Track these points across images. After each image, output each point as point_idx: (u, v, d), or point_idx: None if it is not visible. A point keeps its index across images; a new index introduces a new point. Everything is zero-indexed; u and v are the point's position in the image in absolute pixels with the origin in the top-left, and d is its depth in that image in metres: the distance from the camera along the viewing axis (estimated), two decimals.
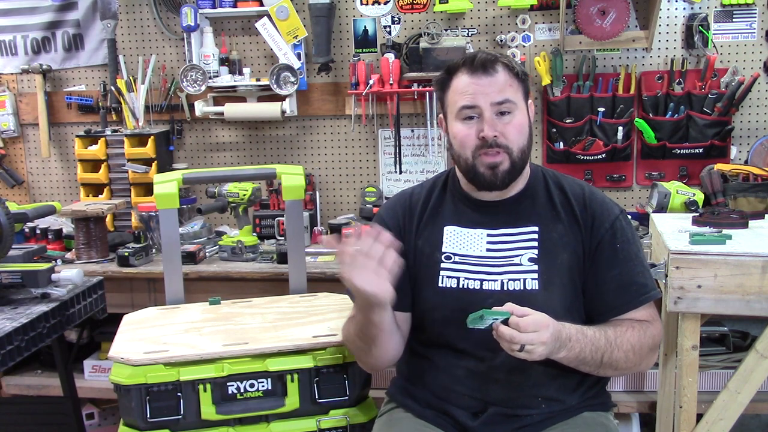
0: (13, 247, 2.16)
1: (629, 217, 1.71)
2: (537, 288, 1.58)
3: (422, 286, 1.66)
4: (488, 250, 1.64)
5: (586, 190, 1.69)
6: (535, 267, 1.59)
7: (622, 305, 1.61)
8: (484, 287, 1.60)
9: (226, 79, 3.12)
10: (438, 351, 1.65)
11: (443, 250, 1.65)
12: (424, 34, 2.95)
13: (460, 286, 1.61)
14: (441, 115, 1.73)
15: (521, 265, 1.60)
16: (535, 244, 1.62)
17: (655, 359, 1.67)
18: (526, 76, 1.65)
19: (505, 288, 1.59)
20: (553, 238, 1.62)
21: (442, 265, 1.64)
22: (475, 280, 1.61)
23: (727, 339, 2.63)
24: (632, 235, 1.65)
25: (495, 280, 1.60)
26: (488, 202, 1.68)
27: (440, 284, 1.63)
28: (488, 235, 1.65)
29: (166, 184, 2.20)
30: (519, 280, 1.59)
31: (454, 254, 1.64)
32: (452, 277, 1.63)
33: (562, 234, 1.62)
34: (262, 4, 3.04)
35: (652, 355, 1.63)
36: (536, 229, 1.63)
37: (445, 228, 1.68)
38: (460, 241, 1.66)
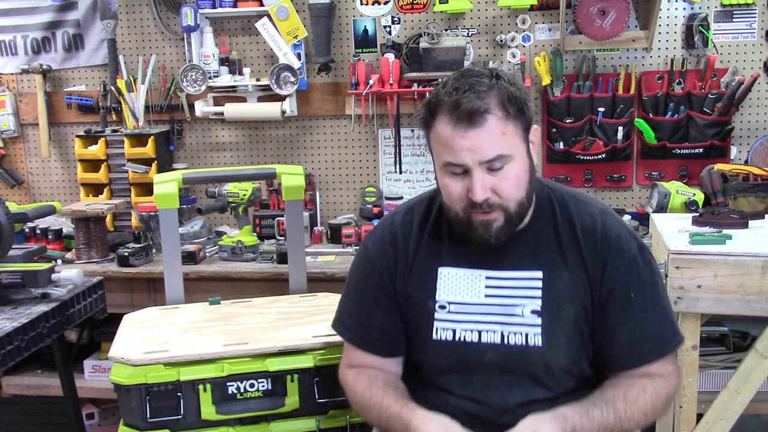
0: (13, 247, 2.16)
1: (648, 251, 1.49)
2: (540, 344, 1.42)
3: (415, 335, 1.52)
4: (487, 296, 1.46)
5: (598, 224, 1.46)
6: (539, 320, 1.43)
7: (633, 362, 1.44)
8: (482, 339, 1.45)
9: (226, 79, 3.12)
10: (436, 393, 1.51)
11: (437, 297, 1.48)
12: (424, 34, 2.95)
13: (457, 338, 1.46)
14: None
15: (523, 316, 1.44)
16: (539, 293, 1.44)
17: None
18: (527, 107, 1.38)
19: (506, 341, 1.44)
20: (559, 287, 1.44)
21: (437, 315, 1.48)
22: (472, 331, 1.46)
23: (727, 339, 2.63)
24: (651, 277, 1.45)
25: (494, 331, 1.45)
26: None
27: (434, 336, 1.47)
28: (487, 278, 1.47)
29: (166, 184, 2.19)
30: (520, 333, 1.44)
31: (450, 303, 1.48)
32: (447, 329, 1.47)
33: (568, 283, 1.44)
34: (262, 4, 3.04)
35: (667, 410, 1.50)
36: (540, 275, 1.44)
37: (440, 270, 1.50)
38: (456, 286, 1.48)
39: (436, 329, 1.47)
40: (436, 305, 1.48)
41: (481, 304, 1.46)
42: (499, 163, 1.34)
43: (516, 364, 1.43)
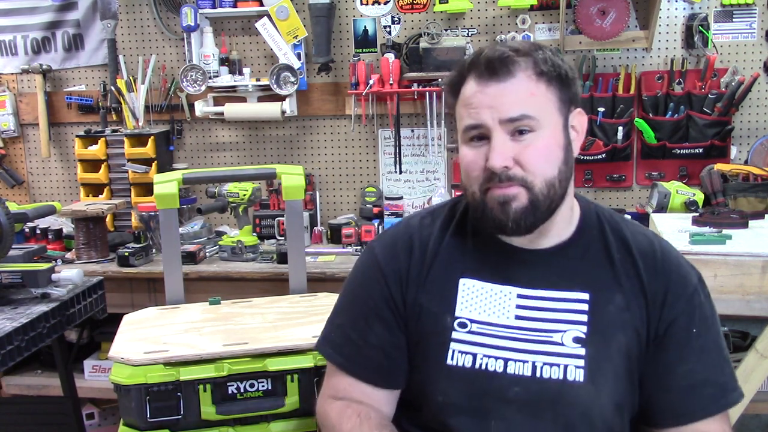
0: (13, 247, 2.16)
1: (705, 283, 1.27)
2: (582, 380, 1.16)
3: (424, 360, 1.24)
4: (518, 317, 1.20)
5: (657, 246, 1.25)
6: (582, 350, 1.17)
7: (690, 413, 1.19)
8: (508, 370, 1.17)
9: (226, 79, 3.12)
10: None
11: (456, 313, 1.21)
12: (424, 34, 2.95)
13: (477, 366, 1.18)
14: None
15: (563, 345, 1.18)
16: (584, 318, 1.18)
17: None
18: (570, 79, 1.19)
19: (538, 374, 1.17)
20: (609, 312, 1.19)
21: (454, 334, 1.20)
22: (497, 358, 1.18)
23: (727, 339, 2.63)
24: (712, 313, 1.22)
25: (524, 362, 1.18)
26: (521, 249, 1.24)
27: (449, 360, 1.20)
28: (519, 296, 1.21)
29: (166, 184, 2.19)
30: (558, 365, 1.17)
31: (472, 321, 1.21)
32: (467, 353, 1.19)
33: (621, 307, 1.19)
34: (262, 4, 3.04)
35: None
36: (586, 296, 1.20)
37: (461, 281, 1.24)
38: (481, 301, 1.22)
39: (453, 352, 1.20)
40: (456, 322, 1.21)
41: (511, 327, 1.20)
42: (524, 124, 1.14)
43: (547, 404, 1.16)
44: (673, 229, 2.07)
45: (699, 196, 2.61)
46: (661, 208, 2.63)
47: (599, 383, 1.16)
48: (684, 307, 1.19)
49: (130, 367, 1.73)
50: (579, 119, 1.22)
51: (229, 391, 1.75)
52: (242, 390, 1.76)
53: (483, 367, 1.18)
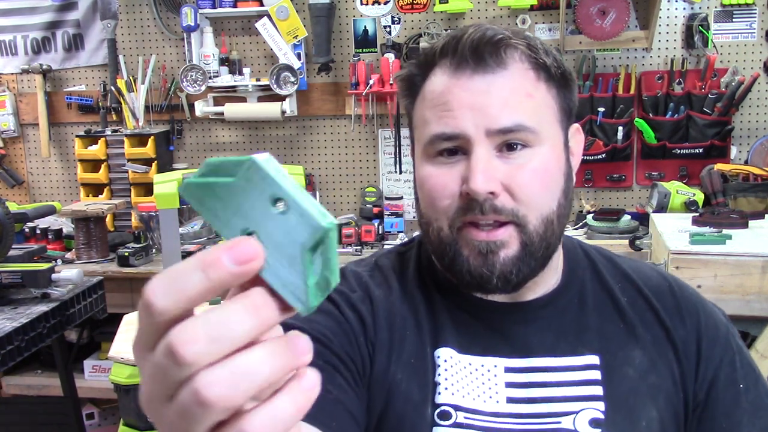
0: (13, 247, 2.16)
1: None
2: None
3: None
4: (511, 399, 0.86)
5: (671, 280, 0.96)
6: None
7: None
8: None
9: (226, 79, 3.12)
10: None
11: (437, 399, 0.86)
12: (424, 34, 2.95)
13: None
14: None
15: None
16: (599, 391, 0.86)
17: None
18: (570, 77, 0.88)
19: None
20: (630, 377, 0.87)
21: (437, 431, 0.86)
22: None
23: None
24: (750, 356, 0.94)
25: None
26: (500, 304, 0.90)
27: None
28: (507, 370, 0.88)
29: (166, 184, 2.19)
30: None
31: (457, 408, 0.86)
32: None
33: (645, 368, 0.88)
34: (262, 4, 3.04)
35: None
36: (596, 360, 0.88)
37: (437, 354, 0.89)
38: (464, 378, 0.87)
39: None
40: (436, 412, 0.86)
41: (503, 415, 0.86)
42: (518, 138, 0.82)
43: None
44: (673, 229, 2.07)
45: (699, 196, 2.61)
46: (661, 208, 2.63)
47: None
48: (723, 357, 0.90)
49: (130, 367, 1.74)
50: (577, 138, 0.92)
51: None
52: None
53: None
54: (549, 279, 0.91)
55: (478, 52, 0.82)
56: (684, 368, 0.88)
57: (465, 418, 0.86)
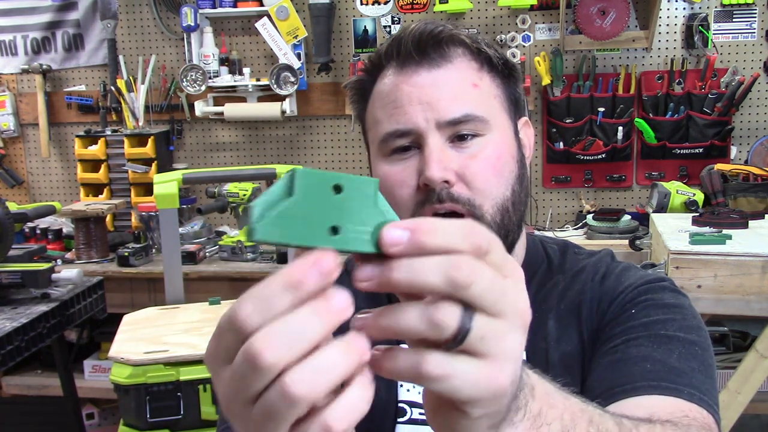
0: (13, 247, 2.16)
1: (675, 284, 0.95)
2: None
3: None
4: None
5: (606, 264, 0.96)
6: None
7: (628, 384, 0.80)
8: None
9: (226, 79, 3.12)
10: None
11: (400, 397, 0.91)
12: None
13: None
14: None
15: None
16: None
17: None
18: (513, 69, 0.92)
19: None
20: (542, 347, 0.90)
21: (398, 428, 0.90)
22: None
23: (727, 339, 2.63)
24: (685, 305, 0.91)
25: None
26: None
27: None
28: None
29: (166, 184, 2.20)
30: None
31: (413, 404, 0.90)
32: None
33: (555, 336, 0.91)
34: (262, 4, 3.04)
35: None
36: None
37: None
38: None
39: None
40: (396, 409, 0.91)
41: None
42: (468, 128, 0.85)
43: None
44: (673, 229, 2.07)
45: (699, 196, 2.61)
46: (661, 208, 2.63)
47: None
48: (633, 299, 0.89)
49: (130, 367, 1.74)
50: (526, 131, 0.94)
51: None
52: None
53: None
54: None
55: (420, 47, 0.85)
56: (584, 319, 0.89)
57: (420, 414, 0.88)
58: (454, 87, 0.85)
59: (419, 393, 0.86)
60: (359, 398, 0.44)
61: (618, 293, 0.90)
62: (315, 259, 0.42)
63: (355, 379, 0.44)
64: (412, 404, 0.88)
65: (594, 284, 0.93)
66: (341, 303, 0.43)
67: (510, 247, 0.88)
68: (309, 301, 0.42)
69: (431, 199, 0.83)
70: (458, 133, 0.85)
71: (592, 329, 0.90)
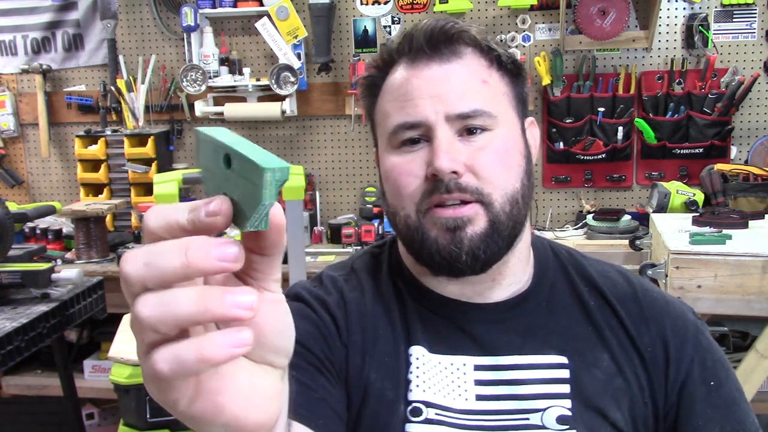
0: (13, 247, 2.16)
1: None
2: None
3: None
4: (480, 397, 0.88)
5: (635, 284, 0.96)
6: None
7: None
8: None
9: (226, 79, 3.12)
10: None
11: (410, 397, 0.88)
12: None
13: None
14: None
15: (544, 428, 0.87)
16: (566, 389, 0.88)
17: None
18: (521, 69, 0.94)
19: None
20: (597, 377, 0.89)
21: (409, 428, 0.87)
22: None
23: (727, 339, 2.63)
24: (721, 353, 0.94)
25: None
26: (469, 304, 0.93)
27: None
28: (477, 368, 0.90)
29: (166, 184, 2.19)
30: None
31: (428, 404, 0.88)
32: None
33: (612, 371, 0.89)
34: (262, 4, 3.04)
35: None
36: (564, 360, 0.89)
37: (412, 350, 0.91)
38: (435, 376, 0.89)
39: None
40: (408, 408, 0.88)
41: (473, 412, 0.88)
42: (477, 123, 0.86)
43: None
44: (673, 229, 2.07)
45: (699, 196, 2.61)
46: (661, 208, 2.63)
47: None
48: (693, 356, 0.90)
49: (130, 367, 1.74)
50: (532, 131, 0.95)
51: None
52: None
53: None
54: (520, 277, 0.94)
55: (432, 42, 0.88)
56: (652, 376, 0.90)
57: (436, 414, 0.87)
58: (464, 82, 0.87)
59: (434, 394, 0.88)
60: (208, 347, 0.43)
61: (690, 353, 0.91)
62: (203, 203, 0.46)
63: (220, 331, 0.44)
64: (428, 404, 0.88)
65: (646, 317, 0.93)
66: (210, 245, 0.43)
67: (514, 239, 0.89)
68: (182, 239, 0.44)
69: (438, 189, 0.84)
70: (467, 126, 0.86)
71: (662, 378, 0.91)
